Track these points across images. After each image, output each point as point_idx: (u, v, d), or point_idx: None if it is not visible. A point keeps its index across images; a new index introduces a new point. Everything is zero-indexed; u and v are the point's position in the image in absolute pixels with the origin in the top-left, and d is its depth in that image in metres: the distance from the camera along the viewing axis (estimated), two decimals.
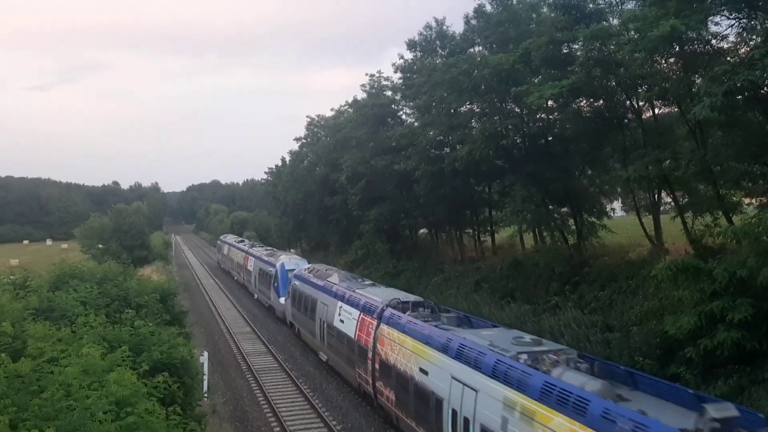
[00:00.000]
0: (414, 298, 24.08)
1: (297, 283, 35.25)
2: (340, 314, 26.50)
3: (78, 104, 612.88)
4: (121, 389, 11.52)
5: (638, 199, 31.33)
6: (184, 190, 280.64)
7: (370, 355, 22.46)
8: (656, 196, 29.27)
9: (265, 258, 48.89)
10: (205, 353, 27.04)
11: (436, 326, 18.94)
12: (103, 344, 14.81)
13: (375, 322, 22.44)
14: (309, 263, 42.86)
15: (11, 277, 26.38)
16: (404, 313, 21.43)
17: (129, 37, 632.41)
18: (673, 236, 28.32)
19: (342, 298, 26.78)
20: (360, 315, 24.16)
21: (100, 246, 65.93)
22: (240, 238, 78.24)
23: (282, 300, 40.24)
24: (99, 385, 11.66)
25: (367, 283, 29.15)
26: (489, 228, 43.09)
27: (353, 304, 25.35)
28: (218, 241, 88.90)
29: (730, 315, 17.73)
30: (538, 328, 25.48)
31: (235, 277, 65.60)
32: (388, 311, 22.03)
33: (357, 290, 26.38)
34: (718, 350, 18.00)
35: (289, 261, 44.09)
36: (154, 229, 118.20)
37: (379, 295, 24.70)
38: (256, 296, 52.03)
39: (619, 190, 33.94)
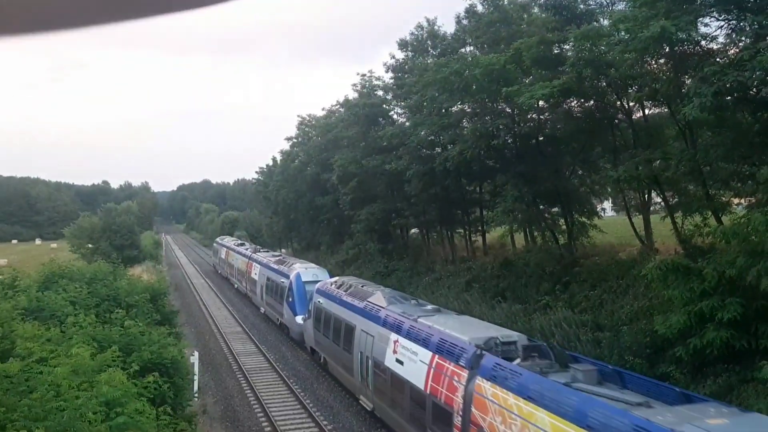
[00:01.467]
0: (516, 336, 16.70)
1: (321, 300, 28.25)
2: (396, 351, 19.31)
3: (66, 102, 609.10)
4: (111, 389, 11.49)
5: (628, 199, 31.48)
6: (175, 189, 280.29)
7: (458, 421, 15.19)
8: (646, 196, 29.41)
9: (275, 266, 41.38)
10: (196, 353, 26.90)
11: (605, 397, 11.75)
12: (92, 344, 14.77)
13: (464, 373, 15.32)
14: (329, 274, 36.92)
15: (0, 276, 26.26)
16: (512, 360, 14.90)
17: (118, 36, 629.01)
18: (663, 236, 28.47)
19: (398, 330, 19.60)
20: (434, 358, 16.85)
21: (90, 245, 65.55)
22: (240, 241, 71.56)
23: (299, 319, 33.11)
24: (89, 385, 11.63)
25: (429, 308, 21.26)
26: (480, 228, 43.15)
27: (419, 339, 18.08)
28: (215, 244, 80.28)
29: (719, 314, 17.84)
30: (529, 328, 25.54)
31: (236, 286, 57.97)
32: (489, 360, 14.81)
33: (421, 319, 19.09)
34: (708, 349, 18.11)
35: (306, 271, 36.36)
36: (145, 228, 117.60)
37: (459, 329, 17.41)
38: (263, 310, 44.28)
39: (609, 190, 34.10)
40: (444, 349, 16.49)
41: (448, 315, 20.64)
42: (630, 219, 30.63)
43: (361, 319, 22.77)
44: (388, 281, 40.50)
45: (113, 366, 13.08)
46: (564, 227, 32.68)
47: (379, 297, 22.96)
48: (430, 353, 17.00)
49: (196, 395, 22.31)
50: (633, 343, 21.71)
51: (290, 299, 35.18)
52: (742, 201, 23.56)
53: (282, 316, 37.37)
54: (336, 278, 30.37)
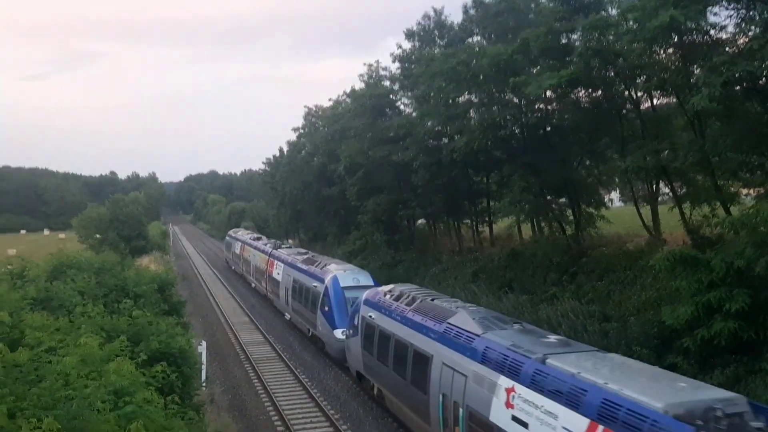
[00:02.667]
0: (738, 399, 10.70)
1: (373, 315, 22.46)
2: (511, 405, 13.30)
3: (75, 94, 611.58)
4: (119, 379, 11.54)
5: (636, 189, 31.36)
6: (182, 180, 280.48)
7: None
8: (654, 186, 29.29)
9: (304, 267, 34.96)
10: (203, 343, 27.01)
11: None
12: (101, 334, 14.85)
13: None
14: (372, 278, 30.73)
15: (9, 267, 26.40)
16: None
17: (125, 27, 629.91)
18: (670, 227, 28.37)
19: (513, 373, 13.56)
20: (595, 429, 11.11)
21: (98, 236, 65.70)
22: (255, 234, 65.22)
23: (339, 334, 27.19)
24: (97, 374, 11.68)
25: (552, 340, 15.05)
26: (487, 218, 43.09)
27: (557, 394, 12.17)
28: (227, 238, 72.47)
29: (727, 305, 17.80)
30: (536, 318, 25.53)
31: (254, 285, 51.63)
32: None
33: (552, 360, 13.11)
34: (715, 340, 18.08)
35: (345, 274, 30.19)
36: (152, 219, 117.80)
37: (631, 383, 11.37)
38: (288, 317, 37.94)
39: (617, 180, 34.03)
40: (617, 419, 10.64)
41: (589, 353, 14.23)
42: (638, 209, 30.52)
43: (441, 348, 17.00)
44: (394, 272, 40.54)
45: (121, 355, 13.13)
46: (571, 218, 32.60)
47: (465, 318, 17.06)
48: (586, 420, 11.26)
49: (204, 384, 22.41)
50: (640, 334, 21.68)
51: (326, 308, 29.15)
52: (751, 191, 23.45)
53: (315, 327, 31.33)
54: (390, 286, 23.80)
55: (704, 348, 18.70)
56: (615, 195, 45.82)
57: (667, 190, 28.15)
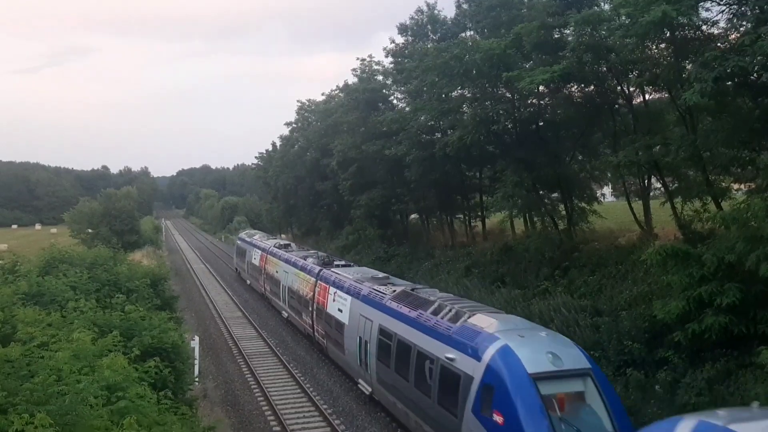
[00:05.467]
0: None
1: None
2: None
3: (67, 88, 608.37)
4: (112, 374, 11.55)
5: (628, 184, 31.43)
6: (174, 174, 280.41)
7: None
8: (646, 181, 29.37)
9: (409, 311, 19.53)
10: (196, 338, 27.05)
11: None
12: (93, 329, 14.83)
13: None
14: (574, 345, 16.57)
15: (0, 261, 26.30)
16: None
17: (117, 21, 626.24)
18: (662, 221, 28.46)
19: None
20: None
21: (90, 231, 65.64)
22: (283, 240, 49.80)
23: None
24: (90, 369, 11.69)
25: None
26: (480, 213, 43.14)
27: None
28: (239, 242, 58.26)
29: (718, 300, 17.86)
30: (528, 313, 25.58)
31: (285, 315, 36.28)
32: None
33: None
34: (706, 334, 18.14)
35: (524, 342, 15.27)
36: (144, 213, 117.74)
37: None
38: (368, 390, 22.41)
39: (609, 175, 34.07)
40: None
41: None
42: (630, 204, 30.60)
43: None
44: (387, 266, 40.55)
45: (114, 351, 13.13)
46: (564, 213, 32.67)
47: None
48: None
49: (197, 380, 22.42)
50: (632, 328, 21.76)
51: (495, 415, 14.32)
52: (742, 186, 23.53)
53: None
54: None
55: (695, 342, 18.78)
56: (607, 190, 45.96)
57: (658, 185, 28.23)
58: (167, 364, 15.14)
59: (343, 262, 31.41)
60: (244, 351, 30.79)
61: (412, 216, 53.63)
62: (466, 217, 44.79)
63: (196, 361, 24.06)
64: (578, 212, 32.07)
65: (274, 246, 43.27)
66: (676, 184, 25.99)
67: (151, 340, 16.11)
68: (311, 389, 24.67)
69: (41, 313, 15.92)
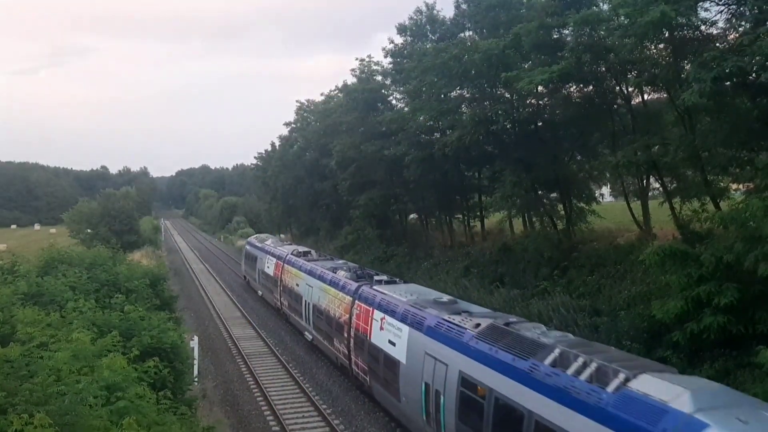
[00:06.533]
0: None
1: None
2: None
3: (65, 88, 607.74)
4: (111, 374, 11.55)
5: (627, 184, 31.47)
6: (174, 174, 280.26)
7: None
8: (645, 181, 29.42)
9: (520, 364, 13.68)
10: (195, 338, 27.07)
11: None
12: (92, 329, 14.83)
13: None
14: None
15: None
16: None
17: (116, 22, 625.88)
18: (661, 221, 28.49)
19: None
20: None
21: (89, 231, 65.61)
22: (302, 248, 40.83)
23: None
24: (89, 370, 11.69)
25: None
26: (479, 213, 43.17)
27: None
28: (248, 247, 51.53)
29: (716, 299, 17.89)
30: (527, 313, 25.62)
31: (310, 337, 30.45)
32: None
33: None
34: (705, 334, 18.17)
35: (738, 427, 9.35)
36: (144, 214, 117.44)
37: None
38: None
39: (608, 175, 34.09)
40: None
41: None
42: (628, 204, 30.65)
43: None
44: (386, 266, 40.59)
45: (113, 351, 13.13)
46: (562, 213, 32.70)
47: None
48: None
49: (196, 380, 22.42)
50: (630, 328, 21.79)
51: None
52: (741, 187, 23.56)
53: None
54: None
55: (694, 342, 18.81)
56: (606, 190, 46.03)
57: (657, 185, 28.26)
58: (166, 364, 15.13)
59: (384, 277, 25.38)
60: (243, 351, 30.79)
61: (411, 216, 53.65)
62: (465, 217, 44.80)
63: (196, 361, 24.06)
64: (577, 212, 32.10)
65: (291, 254, 37.52)
66: (674, 184, 26.03)
67: (150, 340, 16.10)
68: (310, 389, 24.68)
69: (40, 314, 15.91)
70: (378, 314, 21.32)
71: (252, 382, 26.16)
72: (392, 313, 20.26)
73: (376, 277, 25.10)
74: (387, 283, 24.10)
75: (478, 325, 16.13)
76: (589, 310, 24.85)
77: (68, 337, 13.30)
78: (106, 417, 10.10)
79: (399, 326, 19.45)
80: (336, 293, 26.33)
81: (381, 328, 20.83)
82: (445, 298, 20.54)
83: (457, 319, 17.14)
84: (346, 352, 24.48)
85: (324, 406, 22.60)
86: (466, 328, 16.24)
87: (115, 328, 15.51)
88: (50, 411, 9.10)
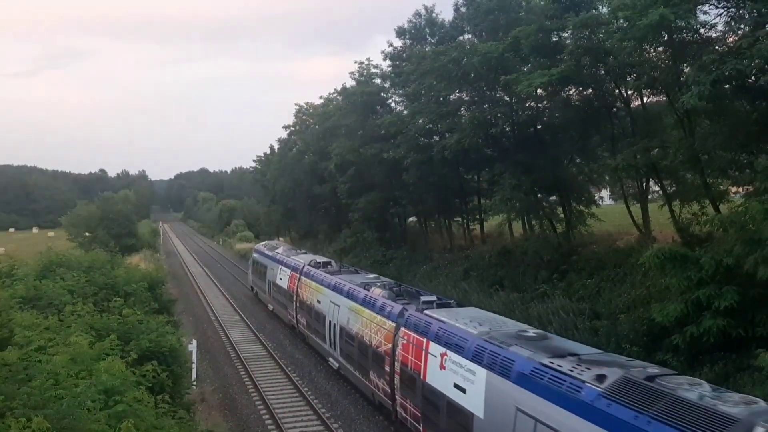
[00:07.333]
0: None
1: None
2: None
3: (63, 91, 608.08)
4: (109, 378, 11.50)
5: (626, 187, 31.46)
6: (172, 178, 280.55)
7: None
8: (644, 184, 29.39)
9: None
10: (194, 341, 26.99)
11: None
12: (91, 333, 14.80)
13: None
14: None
15: None
16: None
17: (114, 24, 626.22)
18: (660, 224, 28.48)
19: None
20: None
21: (87, 234, 65.49)
22: (322, 258, 34.91)
23: None
24: (88, 373, 11.64)
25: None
26: (478, 216, 43.13)
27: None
28: (255, 254, 46.30)
29: (716, 302, 17.89)
30: (527, 316, 25.59)
31: (336, 366, 26.12)
32: None
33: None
34: (704, 337, 18.16)
35: None
36: (142, 217, 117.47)
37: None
38: None
39: (607, 178, 34.09)
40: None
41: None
42: (628, 207, 30.63)
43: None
44: (386, 270, 40.51)
45: (112, 354, 13.09)
46: (562, 216, 32.68)
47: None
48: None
49: (195, 383, 22.35)
50: (630, 331, 21.77)
51: None
52: (740, 190, 23.55)
53: None
54: None
55: (693, 345, 18.79)
56: (605, 193, 46.01)
57: (657, 188, 28.25)
58: (165, 368, 15.10)
59: (434, 297, 20.86)
60: (242, 354, 30.70)
61: (411, 219, 53.59)
62: (465, 221, 44.78)
63: (194, 365, 24.00)
64: (576, 215, 32.09)
65: (309, 264, 32.51)
66: (674, 187, 26.03)
67: (148, 344, 16.07)
68: (309, 392, 24.57)
69: (38, 317, 15.87)
70: (435, 348, 16.91)
71: (251, 386, 26.01)
72: (458, 348, 15.84)
73: (423, 298, 20.55)
74: (440, 305, 19.67)
75: (602, 377, 11.70)
76: (588, 314, 24.82)
77: (66, 340, 13.26)
78: (104, 421, 10.04)
79: (470, 367, 15.04)
80: (372, 316, 21.85)
81: (442, 367, 16.42)
82: (531, 331, 15.96)
83: (565, 366, 12.64)
84: (388, 390, 20.04)
85: (323, 410, 22.48)
86: (584, 381, 11.81)
87: (114, 331, 15.49)
88: (48, 415, 9.05)
